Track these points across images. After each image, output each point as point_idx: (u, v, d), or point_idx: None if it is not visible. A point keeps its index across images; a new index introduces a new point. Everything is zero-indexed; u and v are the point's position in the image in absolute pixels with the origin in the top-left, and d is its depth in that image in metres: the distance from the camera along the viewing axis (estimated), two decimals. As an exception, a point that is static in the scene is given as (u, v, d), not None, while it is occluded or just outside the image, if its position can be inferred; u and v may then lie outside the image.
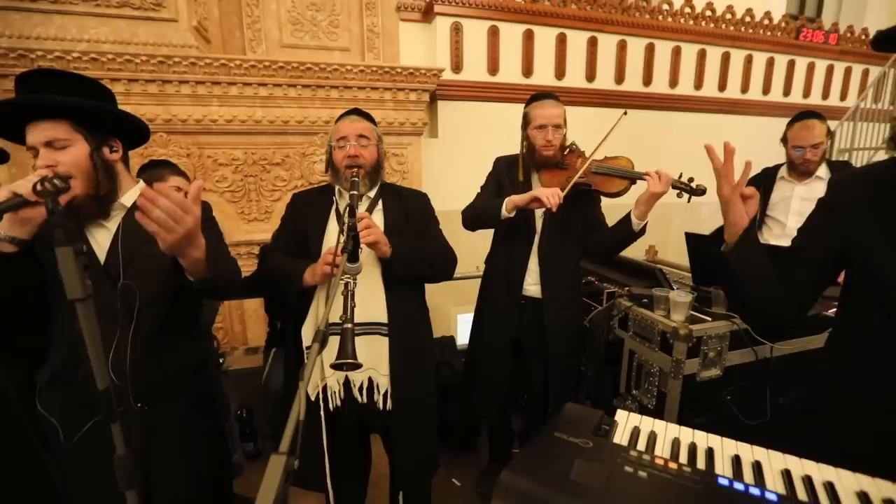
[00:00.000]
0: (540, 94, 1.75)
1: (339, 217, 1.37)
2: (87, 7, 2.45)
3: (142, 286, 1.02)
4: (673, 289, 1.87)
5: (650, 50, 3.82)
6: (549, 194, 1.52)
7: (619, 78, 3.79)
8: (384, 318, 1.32)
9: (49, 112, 0.95)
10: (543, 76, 3.56)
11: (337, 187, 1.42)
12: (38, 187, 0.80)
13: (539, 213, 1.76)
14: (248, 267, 2.62)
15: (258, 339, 2.86)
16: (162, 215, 0.81)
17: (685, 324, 1.58)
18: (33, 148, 0.95)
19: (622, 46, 3.72)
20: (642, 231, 1.62)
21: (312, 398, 1.26)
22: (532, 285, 1.78)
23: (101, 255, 1.03)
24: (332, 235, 1.34)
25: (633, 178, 1.65)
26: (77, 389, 0.97)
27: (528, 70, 3.50)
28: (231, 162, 2.79)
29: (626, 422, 0.85)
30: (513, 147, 1.90)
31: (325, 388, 1.29)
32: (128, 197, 1.08)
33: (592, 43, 3.62)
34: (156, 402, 1.05)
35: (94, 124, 1.00)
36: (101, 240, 1.05)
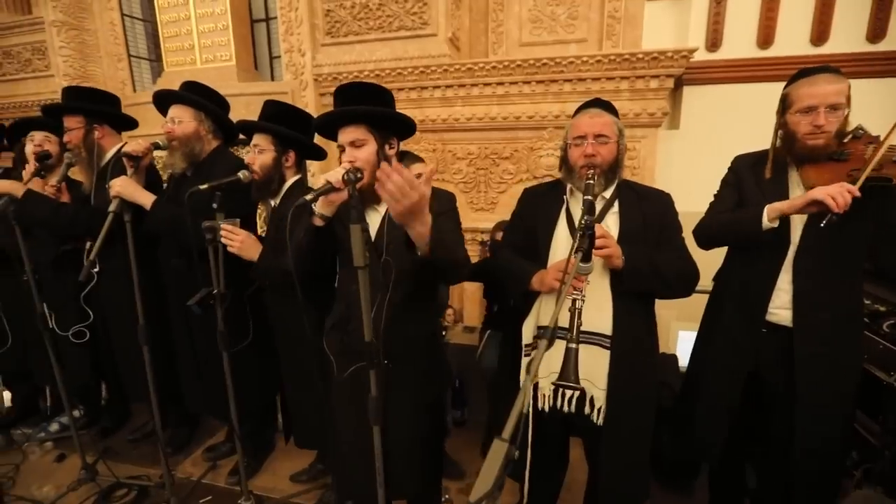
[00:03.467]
0: (810, 69, 1.33)
1: (570, 218, 1.33)
2: (376, 35, 3.08)
3: (397, 262, 1.21)
4: None
5: None
6: (835, 192, 1.15)
7: None
8: (608, 330, 1.24)
9: (353, 118, 1.22)
10: (839, 41, 2.70)
11: (569, 186, 1.37)
12: (345, 177, 1.05)
13: (797, 219, 1.35)
14: (472, 253, 2.88)
15: (473, 319, 3.13)
16: (393, 188, 0.92)
17: None
18: (342, 146, 1.25)
19: None
20: None
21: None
22: (780, 309, 1.39)
23: (373, 234, 1.27)
24: (562, 237, 1.31)
25: None
26: (349, 338, 1.24)
27: (819, 35, 2.72)
28: (467, 156, 3.09)
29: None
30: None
31: (536, 386, 1.30)
32: None
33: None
34: (398, 361, 1.24)
35: (382, 126, 1.23)
36: (373, 221, 1.30)
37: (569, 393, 1.27)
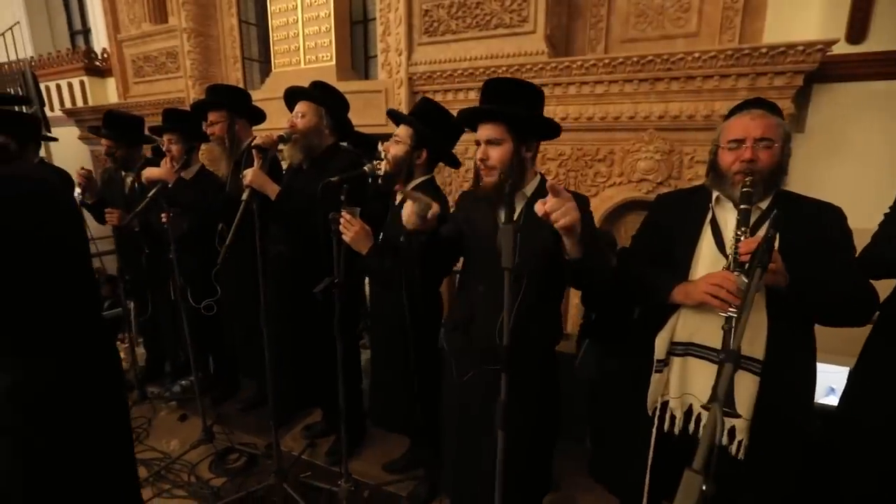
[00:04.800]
0: None
1: (716, 229, 1.22)
2: (473, 33, 3.09)
3: (530, 264, 1.18)
4: None
5: None
6: None
7: None
8: (759, 355, 1.12)
9: (492, 116, 1.22)
10: None
11: (716, 194, 1.25)
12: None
13: None
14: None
15: (569, 326, 3.06)
16: (550, 209, 0.96)
17: None
18: (478, 141, 1.26)
19: None
20: None
21: (650, 411, 1.23)
22: None
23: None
24: (706, 249, 1.22)
25: None
26: (470, 338, 1.26)
27: None
28: (558, 157, 3.02)
29: None
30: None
31: (664, 406, 1.23)
32: (529, 188, 1.27)
33: None
34: (520, 362, 1.17)
35: (522, 128, 1.22)
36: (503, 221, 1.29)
37: (705, 416, 1.16)
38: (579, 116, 2.89)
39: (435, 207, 1.13)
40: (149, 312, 2.75)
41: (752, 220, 1.16)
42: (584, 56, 2.87)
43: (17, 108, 3.53)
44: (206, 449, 2.24)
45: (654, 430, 1.19)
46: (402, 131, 1.60)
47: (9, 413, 0.95)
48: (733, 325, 0.81)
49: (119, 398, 1.16)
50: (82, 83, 5.26)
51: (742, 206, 1.04)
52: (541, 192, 1.27)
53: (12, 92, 4.64)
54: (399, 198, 1.64)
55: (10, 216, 0.88)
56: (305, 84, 2.10)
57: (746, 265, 0.87)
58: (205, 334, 2.48)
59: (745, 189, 1.08)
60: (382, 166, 1.61)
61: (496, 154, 1.20)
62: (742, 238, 1.04)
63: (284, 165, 2.18)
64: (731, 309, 0.87)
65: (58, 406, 0.99)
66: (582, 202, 1.24)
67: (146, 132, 2.78)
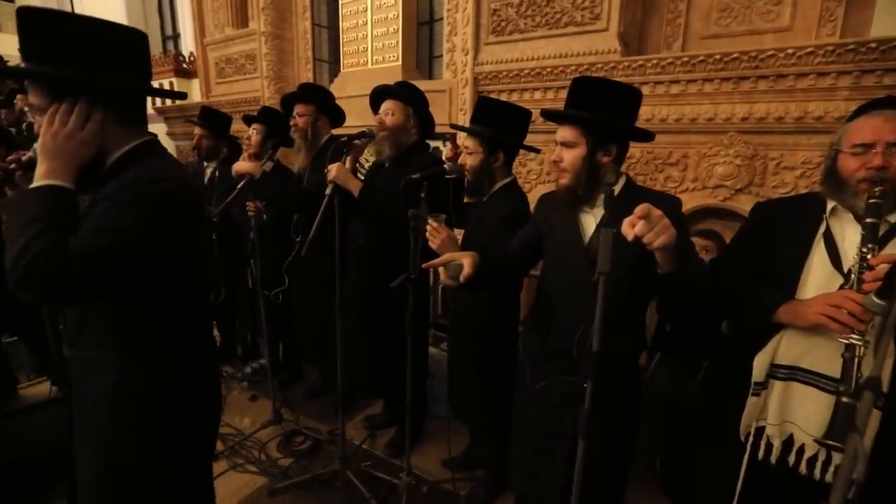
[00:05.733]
0: None
1: (831, 242, 1.11)
2: (542, 32, 3.04)
3: (618, 271, 1.07)
4: None
5: None
6: None
7: None
8: (884, 386, 1.00)
9: (570, 118, 1.20)
10: None
11: (832, 204, 1.14)
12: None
13: None
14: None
15: None
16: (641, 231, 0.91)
17: None
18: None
19: None
20: None
21: (742, 437, 1.16)
22: None
23: (587, 238, 1.23)
24: (818, 265, 1.12)
25: None
26: (546, 343, 1.25)
27: None
28: (626, 160, 2.90)
29: None
30: None
31: (760, 431, 1.15)
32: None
33: None
34: (602, 372, 1.10)
35: (599, 132, 1.18)
36: (587, 224, 1.25)
37: (810, 449, 1.09)
38: (651, 118, 2.76)
39: (465, 269, 1.11)
40: (222, 296, 2.96)
41: (881, 233, 1.03)
42: (661, 54, 2.74)
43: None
44: (275, 430, 2.39)
45: (745, 458, 1.12)
46: (470, 142, 1.61)
47: (133, 414, 1.00)
48: (857, 353, 0.74)
49: (216, 392, 1.23)
50: (171, 84, 5.74)
51: (869, 220, 0.94)
52: (625, 194, 1.23)
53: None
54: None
55: (150, 212, 0.91)
56: (373, 84, 2.16)
57: (879, 287, 0.78)
58: (277, 322, 2.64)
59: (872, 200, 0.97)
60: (447, 166, 1.61)
61: (568, 157, 1.19)
62: (869, 255, 0.94)
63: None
64: (853, 335, 0.79)
65: (172, 404, 1.05)
66: (671, 206, 1.17)
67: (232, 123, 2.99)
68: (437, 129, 2.14)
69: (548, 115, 1.26)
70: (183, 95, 1.30)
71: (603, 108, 1.18)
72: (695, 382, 1.54)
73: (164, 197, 0.93)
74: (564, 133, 1.20)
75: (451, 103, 3.64)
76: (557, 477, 1.17)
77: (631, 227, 0.90)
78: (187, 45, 5.74)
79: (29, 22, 0.85)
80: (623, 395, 1.23)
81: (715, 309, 1.23)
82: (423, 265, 1.20)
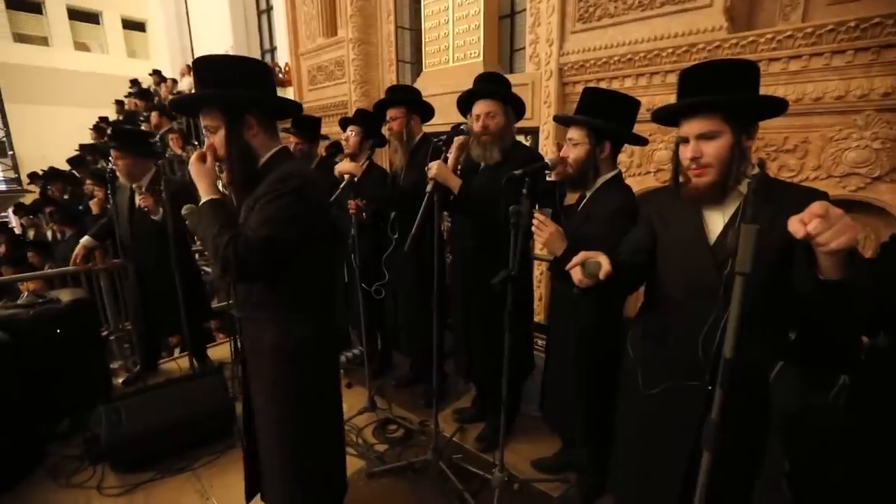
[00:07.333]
0: None
1: None
2: (634, 14, 2.86)
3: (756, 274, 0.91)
4: None
5: None
6: None
7: None
8: None
9: (696, 109, 1.02)
10: None
11: None
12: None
13: None
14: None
15: None
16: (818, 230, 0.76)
17: None
18: (684, 138, 1.07)
19: None
20: None
21: None
22: None
23: (712, 237, 1.09)
24: None
25: None
26: (663, 348, 1.17)
27: None
28: (733, 148, 2.65)
29: None
30: None
31: None
32: (743, 185, 1.05)
33: None
34: (730, 382, 0.96)
35: (743, 114, 1.01)
36: (712, 222, 1.10)
37: None
38: (765, 99, 2.49)
39: (605, 266, 1.05)
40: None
41: None
42: (776, 27, 2.45)
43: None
44: (369, 416, 2.54)
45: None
46: (575, 133, 1.54)
47: (288, 360, 1.27)
48: None
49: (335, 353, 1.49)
50: (269, 94, 6.29)
51: None
52: (762, 187, 1.08)
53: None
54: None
55: (312, 202, 1.22)
56: (455, 82, 2.16)
57: None
58: (374, 314, 2.80)
59: None
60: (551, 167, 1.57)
61: (712, 150, 1.01)
62: None
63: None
64: None
65: (315, 354, 1.31)
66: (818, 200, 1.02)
67: (324, 127, 3.20)
68: (519, 125, 2.09)
69: (679, 108, 1.07)
70: (299, 107, 1.49)
71: (735, 87, 1.01)
72: (828, 399, 1.37)
73: (300, 189, 1.19)
74: (700, 125, 1.02)
75: (534, 96, 3.57)
76: (672, 487, 1.11)
77: (802, 225, 0.77)
78: (282, 56, 6.22)
79: (202, 64, 1.20)
80: (750, 406, 1.12)
81: (874, 319, 1.06)
82: (566, 267, 1.14)
